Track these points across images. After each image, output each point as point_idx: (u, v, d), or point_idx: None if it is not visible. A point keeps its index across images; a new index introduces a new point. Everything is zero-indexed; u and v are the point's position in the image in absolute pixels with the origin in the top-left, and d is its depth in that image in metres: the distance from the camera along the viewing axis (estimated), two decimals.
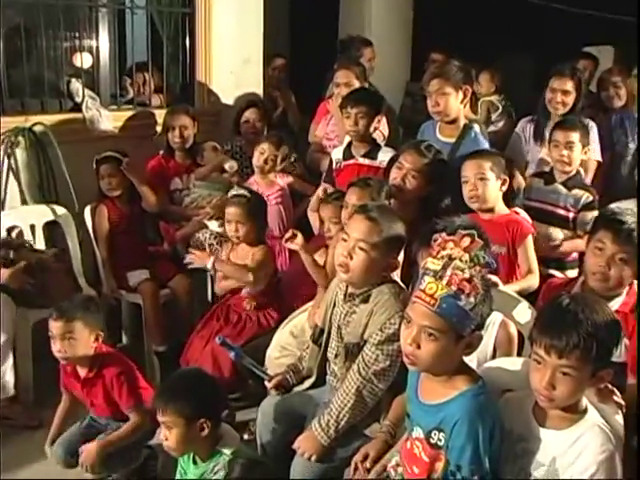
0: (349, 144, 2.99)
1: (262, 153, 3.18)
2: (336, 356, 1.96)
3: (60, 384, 2.25)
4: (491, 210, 2.40)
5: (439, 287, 1.42)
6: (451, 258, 1.43)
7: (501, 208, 2.42)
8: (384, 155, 2.84)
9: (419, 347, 1.44)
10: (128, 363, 2.20)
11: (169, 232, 3.26)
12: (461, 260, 1.42)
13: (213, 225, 3.30)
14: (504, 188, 2.41)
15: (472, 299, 1.40)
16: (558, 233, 2.69)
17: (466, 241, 1.45)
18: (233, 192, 2.69)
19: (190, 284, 3.14)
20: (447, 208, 2.48)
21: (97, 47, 3.45)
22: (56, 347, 2.08)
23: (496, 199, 2.40)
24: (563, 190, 2.75)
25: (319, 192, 2.78)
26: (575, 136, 2.76)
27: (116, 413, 2.17)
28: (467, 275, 1.41)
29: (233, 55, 3.88)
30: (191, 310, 3.12)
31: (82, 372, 2.16)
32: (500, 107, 4.31)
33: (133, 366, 2.21)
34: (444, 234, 1.49)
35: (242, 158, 3.61)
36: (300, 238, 2.42)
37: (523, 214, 2.50)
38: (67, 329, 2.06)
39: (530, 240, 2.37)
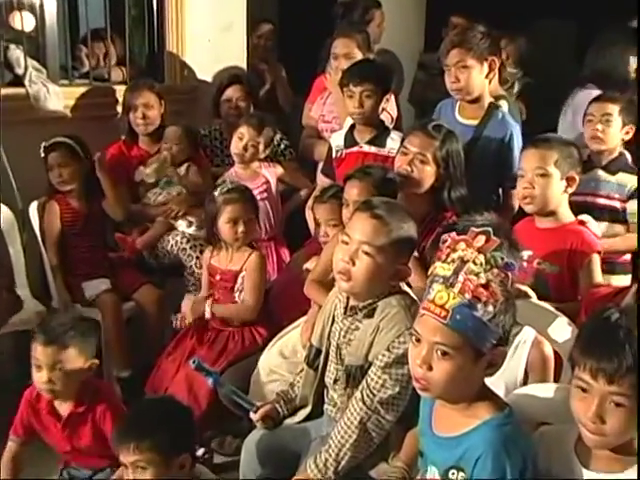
0: (351, 128, 3.02)
1: (241, 138, 3.21)
2: (335, 381, 1.98)
3: (12, 426, 2.18)
4: (550, 216, 2.36)
5: (450, 296, 1.43)
6: (463, 261, 1.44)
7: (564, 215, 2.37)
8: (393, 142, 2.87)
9: (431, 369, 1.45)
10: (116, 394, 2.22)
11: (127, 242, 3.28)
12: (475, 263, 1.43)
13: (182, 225, 3.34)
14: (570, 190, 2.34)
15: (490, 308, 1.42)
16: (598, 228, 2.61)
17: (480, 240, 1.45)
18: (226, 186, 2.72)
19: (160, 296, 3.17)
20: (469, 203, 2.51)
21: (41, 5, 3.32)
22: (43, 378, 2.05)
23: (558, 203, 2.34)
24: (604, 175, 2.75)
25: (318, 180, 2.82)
26: (614, 108, 2.74)
27: (103, 458, 2.15)
28: (483, 280, 1.42)
29: (211, 20, 3.90)
30: (161, 327, 3.15)
31: (64, 408, 2.13)
32: (514, 82, 4.29)
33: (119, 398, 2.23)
34: (454, 233, 1.50)
35: (222, 145, 3.64)
36: None
37: (592, 225, 2.44)
38: (58, 357, 2.04)
39: (596, 260, 2.28)
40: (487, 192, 2.80)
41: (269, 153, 3.36)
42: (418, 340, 1.48)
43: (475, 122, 2.81)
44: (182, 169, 3.42)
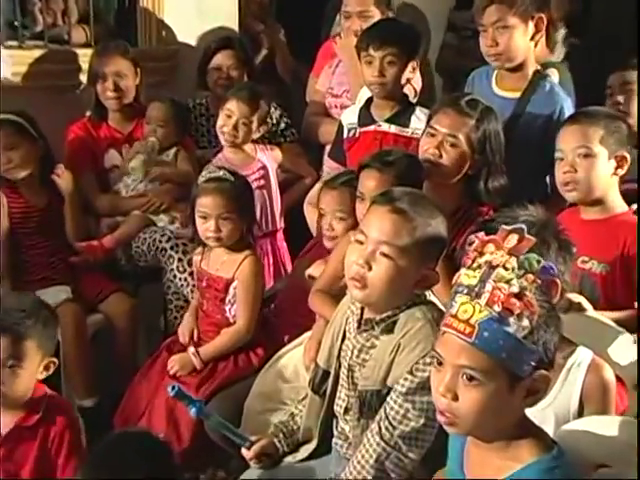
0: (367, 103, 3.03)
1: (229, 115, 3.23)
2: (346, 411, 1.98)
3: None
4: (597, 204, 2.38)
5: (476, 309, 1.43)
6: (492, 266, 1.45)
7: (614, 203, 2.38)
8: (418, 121, 2.88)
9: (457, 398, 1.45)
10: (78, 420, 2.22)
11: (92, 248, 3.27)
12: (505, 267, 1.43)
13: (162, 221, 3.36)
14: (621, 172, 2.36)
15: (526, 322, 1.41)
16: None
17: (512, 240, 1.46)
18: (207, 174, 2.74)
19: (133, 306, 3.19)
20: (511, 195, 2.51)
21: None
22: None
23: (607, 188, 2.36)
24: None
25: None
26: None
27: None
28: (515, 288, 1.42)
29: None
30: (134, 344, 3.17)
31: (7, 420, 2.11)
32: (556, 44, 4.26)
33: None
34: (482, 234, 1.50)
35: (209, 123, 3.66)
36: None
37: None
38: (12, 352, 2.04)
39: None
40: (532, 181, 2.80)
41: (266, 134, 3.38)
42: (440, 363, 1.49)
43: (517, 95, 2.82)
44: (170, 155, 3.44)
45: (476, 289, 1.44)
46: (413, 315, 1.90)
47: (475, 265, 1.47)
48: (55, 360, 2.16)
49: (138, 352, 3.14)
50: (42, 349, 2.11)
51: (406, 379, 1.85)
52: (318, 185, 2.93)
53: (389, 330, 1.91)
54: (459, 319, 1.45)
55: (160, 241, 3.26)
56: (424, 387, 1.82)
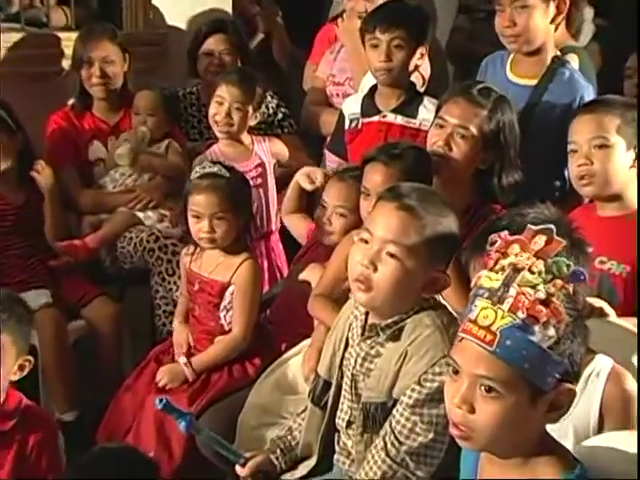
0: (372, 91, 3.04)
1: (220, 102, 3.22)
2: (349, 424, 1.99)
3: None
4: (615, 200, 2.38)
5: (498, 315, 1.42)
6: (516, 269, 1.43)
7: (633, 198, 2.38)
8: (427, 111, 2.89)
9: (473, 410, 1.44)
10: (55, 425, 2.23)
11: (74, 248, 3.27)
12: (532, 271, 1.42)
13: (150, 219, 3.37)
14: None
15: (552, 331, 1.41)
16: None
17: (539, 241, 1.45)
18: (201, 169, 2.73)
19: (118, 312, 3.20)
20: (521, 191, 2.52)
21: None
22: None
23: (625, 182, 2.36)
24: None
25: (298, 177, 2.83)
26: None
27: None
28: (542, 294, 1.41)
29: None
30: (119, 353, 3.17)
31: None
32: (581, 26, 4.25)
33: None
34: (506, 233, 1.49)
35: (200, 113, 3.67)
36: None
37: None
38: None
39: None
40: (549, 176, 2.81)
41: (262, 124, 3.39)
42: (456, 372, 1.48)
43: (533, 82, 2.83)
44: (161, 147, 3.45)
45: (498, 293, 1.43)
46: (421, 321, 1.90)
47: (498, 267, 1.46)
48: (30, 358, 2.17)
49: (123, 361, 3.14)
50: (16, 346, 2.12)
51: (414, 390, 1.85)
52: (291, 190, 2.93)
53: (395, 337, 1.91)
54: (479, 325, 1.44)
55: (148, 241, 3.26)
56: (433, 399, 1.83)
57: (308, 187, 2.89)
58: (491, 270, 1.47)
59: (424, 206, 1.88)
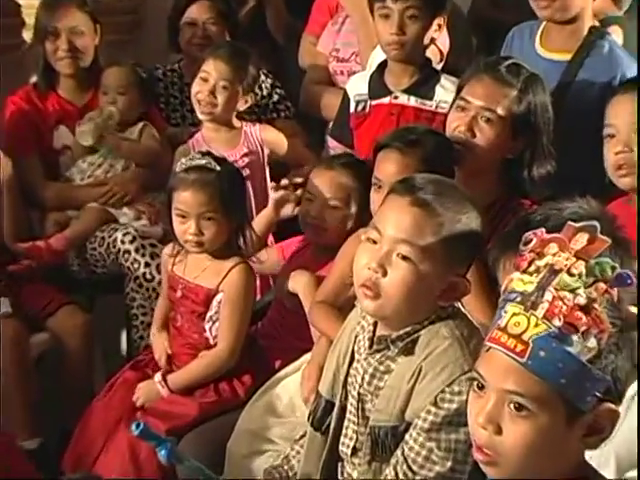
0: (381, 68, 3.04)
1: (205, 79, 3.22)
2: (355, 452, 1.98)
3: None
4: None
5: (531, 322, 1.41)
6: (554, 270, 1.43)
7: None
8: (445, 91, 2.90)
9: (500, 431, 1.44)
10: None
11: (36, 250, 3.26)
12: (571, 273, 1.42)
13: (125, 216, 3.37)
14: None
15: (593, 342, 1.40)
16: None
17: (581, 239, 1.44)
18: (188, 161, 2.73)
19: (87, 323, 3.19)
20: (555, 184, 2.52)
21: None
22: None
23: None
24: None
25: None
26: None
27: None
28: (582, 299, 1.40)
29: None
30: (88, 370, 3.17)
31: None
32: None
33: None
34: (542, 230, 1.49)
35: (183, 94, 3.68)
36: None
37: None
38: None
39: None
40: (587, 166, 2.79)
41: (255, 108, 3.41)
42: (481, 387, 1.47)
43: (567, 57, 2.84)
44: (134, 133, 3.45)
45: (532, 298, 1.43)
46: (438, 332, 1.90)
47: (532, 269, 1.46)
48: None
49: (94, 380, 3.14)
50: None
51: (429, 412, 1.84)
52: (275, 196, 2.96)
53: (408, 351, 1.91)
54: (509, 333, 1.43)
55: (122, 241, 3.26)
56: (452, 422, 1.82)
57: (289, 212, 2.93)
58: (524, 272, 1.47)
59: (442, 201, 1.89)
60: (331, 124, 3.27)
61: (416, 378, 1.88)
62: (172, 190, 2.71)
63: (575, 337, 1.40)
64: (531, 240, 1.49)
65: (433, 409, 1.84)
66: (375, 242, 1.89)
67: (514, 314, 1.44)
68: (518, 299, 1.45)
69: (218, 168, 2.69)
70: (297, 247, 2.91)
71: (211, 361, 2.70)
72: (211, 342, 2.73)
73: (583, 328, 1.40)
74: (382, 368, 1.95)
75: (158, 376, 2.69)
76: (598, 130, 2.71)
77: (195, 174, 2.66)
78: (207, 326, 2.73)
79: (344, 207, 2.64)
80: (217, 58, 3.21)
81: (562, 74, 2.81)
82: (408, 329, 1.91)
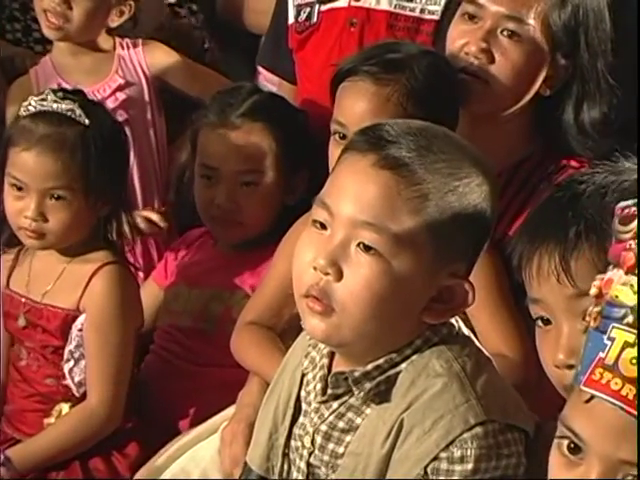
0: None
1: None
2: None
3: None
4: None
5: None
6: None
7: None
8: None
9: None
10: None
11: None
12: None
13: None
14: None
15: None
16: None
17: None
18: (38, 103, 2.73)
19: None
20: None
21: None
22: None
23: None
24: None
25: None
26: None
27: None
28: None
29: None
30: None
31: None
32: None
33: None
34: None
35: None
36: None
37: None
38: None
39: None
40: None
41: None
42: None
43: None
44: None
45: None
46: (427, 366, 1.92)
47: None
48: None
49: None
50: None
51: None
52: None
53: (381, 396, 1.92)
54: (622, 375, 1.42)
55: None
56: None
57: None
58: (632, 272, 1.44)
59: (426, 160, 1.89)
60: (261, 45, 3.33)
61: (395, 439, 1.89)
62: (7, 145, 2.73)
63: None
64: (633, 216, 1.47)
65: None
66: (324, 227, 1.89)
67: (627, 343, 1.42)
68: (629, 319, 1.43)
69: (86, 121, 2.71)
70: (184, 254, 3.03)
71: (78, 424, 2.72)
72: (74, 392, 2.75)
73: None
74: (342, 424, 1.96)
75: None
76: None
77: (46, 126, 2.70)
78: (66, 367, 2.74)
79: (260, 182, 2.70)
80: None
81: None
82: (380, 362, 1.92)
